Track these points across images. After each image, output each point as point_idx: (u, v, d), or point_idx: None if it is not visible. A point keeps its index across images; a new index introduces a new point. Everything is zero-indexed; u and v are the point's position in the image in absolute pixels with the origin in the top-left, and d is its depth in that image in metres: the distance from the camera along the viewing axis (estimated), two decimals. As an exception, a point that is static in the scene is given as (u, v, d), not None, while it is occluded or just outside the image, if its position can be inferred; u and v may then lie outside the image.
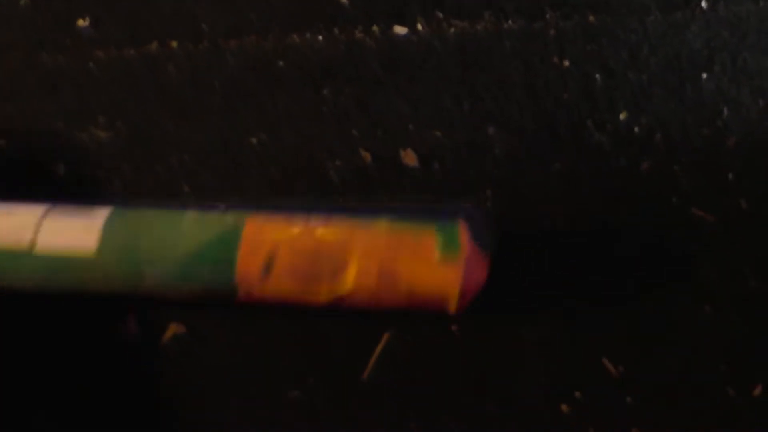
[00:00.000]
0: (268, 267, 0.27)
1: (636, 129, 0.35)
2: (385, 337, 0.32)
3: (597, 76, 0.36)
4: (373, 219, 0.27)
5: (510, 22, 0.38)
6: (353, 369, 0.32)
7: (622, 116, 0.36)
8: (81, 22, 0.39)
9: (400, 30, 0.38)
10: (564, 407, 0.31)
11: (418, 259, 0.27)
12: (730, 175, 0.35)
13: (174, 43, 0.38)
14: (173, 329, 0.33)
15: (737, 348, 0.32)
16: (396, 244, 0.27)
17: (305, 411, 0.32)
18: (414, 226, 0.27)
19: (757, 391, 0.31)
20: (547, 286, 0.33)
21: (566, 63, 0.37)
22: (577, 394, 0.32)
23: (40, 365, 0.32)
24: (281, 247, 0.27)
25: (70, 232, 0.28)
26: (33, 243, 0.29)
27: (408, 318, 0.32)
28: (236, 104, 0.37)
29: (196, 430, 0.32)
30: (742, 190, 0.34)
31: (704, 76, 0.36)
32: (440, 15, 0.38)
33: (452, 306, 0.27)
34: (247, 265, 0.27)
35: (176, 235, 0.28)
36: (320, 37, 0.38)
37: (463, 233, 0.27)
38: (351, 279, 0.27)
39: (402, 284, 0.27)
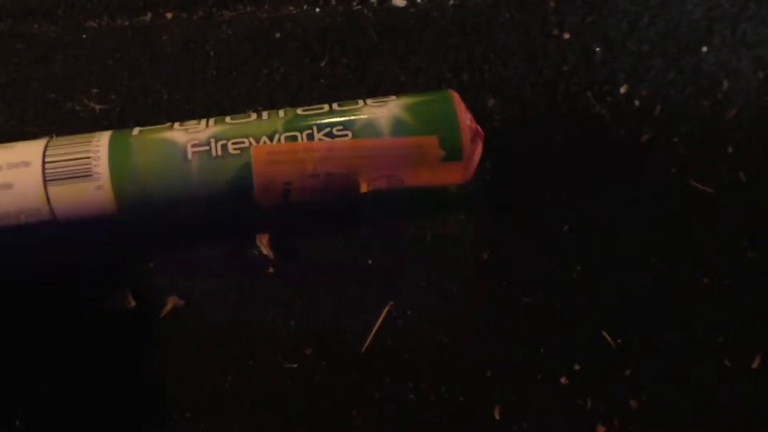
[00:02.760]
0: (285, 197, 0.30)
1: (636, 101, 0.35)
2: (386, 310, 0.32)
3: (597, 47, 0.36)
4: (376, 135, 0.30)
5: (509, -7, 0.37)
6: (352, 342, 0.32)
7: (622, 89, 0.35)
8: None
9: (399, 2, 0.37)
10: (563, 379, 0.31)
11: (423, 165, 0.30)
12: (730, 148, 0.34)
13: (168, 14, 0.37)
14: (172, 303, 0.32)
15: (736, 320, 0.32)
16: (400, 158, 0.30)
17: (303, 383, 0.32)
18: (416, 139, 0.30)
19: (756, 363, 0.32)
20: (545, 256, 0.33)
21: (566, 35, 0.36)
22: (576, 366, 0.32)
23: (36, 341, 0.32)
24: (294, 182, 0.30)
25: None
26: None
27: (407, 291, 0.32)
28: (232, 76, 0.36)
29: (192, 403, 0.31)
30: (741, 163, 0.34)
31: (704, 48, 0.36)
32: (438, -14, 0.38)
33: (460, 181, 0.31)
34: (263, 198, 0.30)
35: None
36: (317, 9, 0.37)
37: (463, 137, 0.30)
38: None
39: (409, 182, 0.31)
